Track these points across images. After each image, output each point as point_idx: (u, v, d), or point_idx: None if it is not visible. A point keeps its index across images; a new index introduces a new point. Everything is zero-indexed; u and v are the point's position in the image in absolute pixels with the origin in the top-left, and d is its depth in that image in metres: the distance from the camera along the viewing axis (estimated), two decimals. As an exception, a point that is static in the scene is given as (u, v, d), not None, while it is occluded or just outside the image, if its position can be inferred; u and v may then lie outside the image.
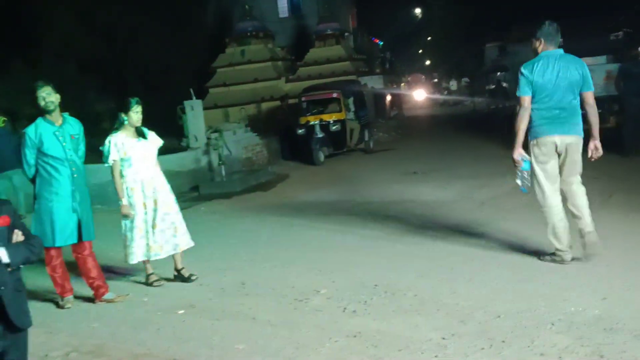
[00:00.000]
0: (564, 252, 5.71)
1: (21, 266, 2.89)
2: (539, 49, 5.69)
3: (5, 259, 2.74)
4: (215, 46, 25.02)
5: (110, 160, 6.20)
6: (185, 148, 14.98)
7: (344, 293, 5.51)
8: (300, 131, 17.25)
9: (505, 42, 41.62)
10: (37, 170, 5.74)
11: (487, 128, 21.18)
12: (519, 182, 5.86)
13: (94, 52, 22.30)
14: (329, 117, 17.43)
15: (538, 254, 6.00)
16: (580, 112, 5.67)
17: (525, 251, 6.27)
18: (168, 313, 5.43)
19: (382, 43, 46.50)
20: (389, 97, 27.15)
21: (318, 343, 4.43)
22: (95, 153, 7.80)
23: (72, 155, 5.77)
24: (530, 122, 5.65)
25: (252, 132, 17.28)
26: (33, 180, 5.81)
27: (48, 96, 5.63)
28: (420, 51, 65.90)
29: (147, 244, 6.26)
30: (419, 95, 43.96)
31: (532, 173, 5.75)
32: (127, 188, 6.23)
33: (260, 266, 6.73)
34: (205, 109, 15.81)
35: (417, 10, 53.61)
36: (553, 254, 5.78)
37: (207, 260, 7.17)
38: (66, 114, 5.90)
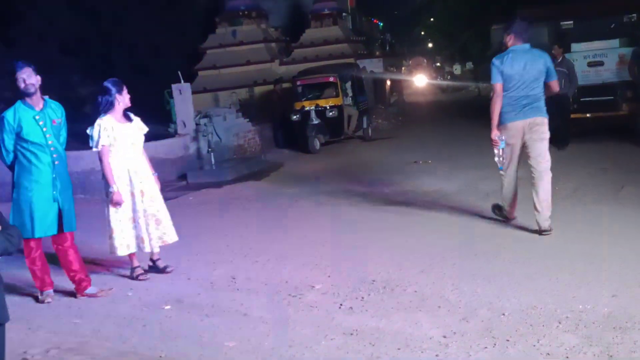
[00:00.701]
0: (508, 211, 7.09)
1: (-1, 258, 2.89)
2: (509, 44, 6.75)
3: (-18, 250, 2.74)
4: (205, 26, 24.90)
5: (100, 146, 6.17)
6: (173, 134, 14.96)
7: (340, 289, 5.52)
8: (294, 117, 17.24)
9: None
10: (15, 157, 5.72)
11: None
12: (496, 159, 6.86)
13: (78, 32, 22.19)
14: (326, 103, 17.42)
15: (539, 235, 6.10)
16: (543, 97, 6.67)
17: (532, 246, 6.30)
18: (154, 308, 5.44)
19: (382, 24, 46.38)
20: (389, 82, 27.10)
21: (313, 341, 4.44)
22: (77, 139, 7.79)
23: (54, 142, 5.74)
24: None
25: (243, 118, 17.25)
26: (11, 168, 5.79)
27: (28, 78, 5.59)
28: (423, 33, 65.77)
29: (134, 236, 6.26)
30: (420, 80, 43.90)
31: (498, 153, 6.79)
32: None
33: (252, 260, 6.74)
34: (194, 93, 15.76)
35: (420, -11, 53.42)
36: (500, 208, 7.20)
37: (196, 253, 7.18)
38: (47, 98, 5.88)
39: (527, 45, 6.70)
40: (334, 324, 4.73)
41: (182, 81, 14.65)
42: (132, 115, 6.39)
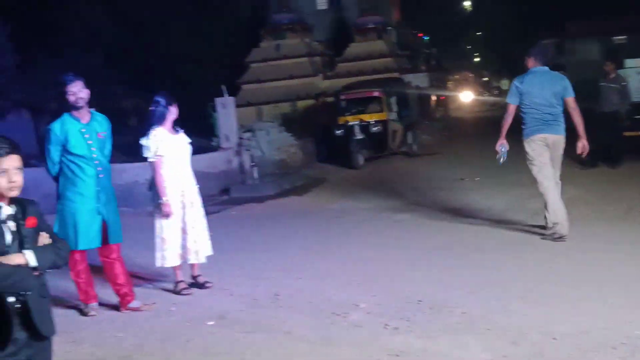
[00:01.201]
0: (560, 224, 7.13)
1: (47, 271, 2.93)
2: (529, 65, 7.41)
3: (33, 263, 2.79)
4: (249, 39, 25.17)
5: (155, 156, 6.26)
6: (216, 148, 15.10)
7: (385, 308, 5.49)
8: (338, 132, 17.25)
9: (561, 39, 41.18)
10: (60, 169, 5.83)
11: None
12: (499, 159, 7.71)
13: (122, 44, 22.60)
14: (370, 118, 17.41)
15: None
16: (562, 115, 7.25)
17: (584, 268, 6.18)
18: (197, 324, 5.47)
19: (427, 38, 46.25)
20: (434, 97, 27.01)
21: (358, 361, 4.42)
22: (121, 151, 7.93)
23: (98, 155, 5.82)
24: (524, 124, 7.38)
25: (286, 132, 17.35)
26: (56, 179, 5.89)
27: (79, 92, 5.70)
28: (469, 47, 65.45)
29: (180, 248, 6.33)
30: (466, 96, 43.63)
31: (532, 163, 7.34)
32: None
33: (295, 276, 6.74)
34: (237, 106, 15.92)
35: (466, 3, 53.27)
36: (552, 228, 7.21)
37: (239, 268, 7.22)
38: (94, 111, 5.99)
39: (546, 68, 7.41)
40: (378, 345, 4.70)
41: (226, 95, 14.80)
42: (177, 128, 6.50)
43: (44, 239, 2.91)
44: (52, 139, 5.73)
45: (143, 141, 6.28)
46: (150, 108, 6.38)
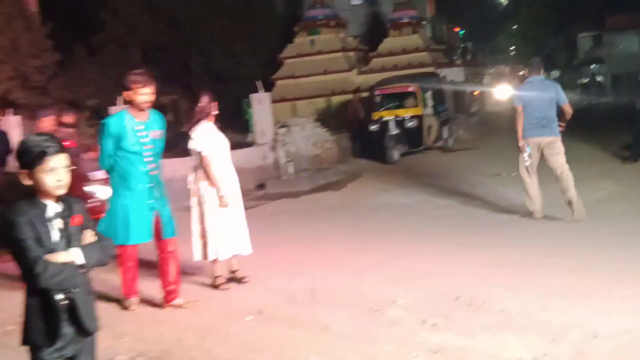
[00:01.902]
0: (536, 212, 8.40)
1: (92, 268, 2.99)
2: (527, 75, 8.78)
3: (80, 260, 2.84)
4: (284, 35, 25.22)
5: (205, 151, 6.32)
6: (251, 144, 15.19)
7: (423, 305, 5.46)
8: (373, 127, 17.22)
9: (600, 32, 40.49)
10: (113, 164, 5.83)
11: (579, 126, 20.60)
12: (526, 163, 8.41)
13: (159, 40, 22.79)
14: (405, 113, 17.34)
15: None
16: (556, 119, 8.29)
17: (626, 266, 6.08)
18: (236, 319, 5.51)
19: (462, 32, 45.89)
20: (470, 92, 26.78)
21: (397, 358, 4.42)
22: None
23: (152, 152, 5.85)
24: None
25: (321, 128, 17.37)
26: (107, 173, 5.95)
27: (150, 96, 5.75)
28: (505, 42, 64.71)
29: (221, 242, 6.39)
30: (503, 91, 43.14)
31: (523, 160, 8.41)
32: (204, 183, 6.37)
33: (332, 272, 6.75)
34: (272, 102, 15.97)
35: (502, -4, 52.66)
36: (530, 213, 8.44)
37: (276, 263, 7.25)
38: (151, 109, 5.95)
39: (542, 77, 8.61)
40: (417, 341, 4.68)
41: (262, 91, 14.86)
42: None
43: (90, 236, 2.96)
44: (106, 132, 5.74)
45: (192, 135, 6.33)
46: (198, 104, 6.44)
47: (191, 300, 6.07)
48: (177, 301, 5.97)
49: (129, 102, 5.81)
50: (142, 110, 5.78)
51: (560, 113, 8.39)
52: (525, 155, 8.40)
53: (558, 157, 8.30)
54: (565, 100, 8.39)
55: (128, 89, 5.74)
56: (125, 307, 6.00)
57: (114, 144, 5.74)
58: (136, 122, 5.77)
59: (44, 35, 19.58)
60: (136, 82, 5.71)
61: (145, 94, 5.73)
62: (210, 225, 6.37)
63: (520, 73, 57.00)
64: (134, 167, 5.77)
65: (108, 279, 6.49)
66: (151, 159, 5.84)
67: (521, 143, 8.41)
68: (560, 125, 8.36)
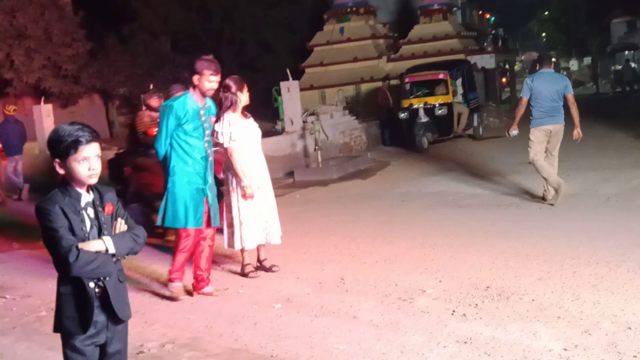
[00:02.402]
0: (562, 187, 8.51)
1: (125, 257, 3.01)
2: (538, 68, 9.06)
3: (112, 249, 2.86)
4: (314, 23, 25.15)
5: (230, 142, 6.30)
6: (280, 132, 15.20)
7: (452, 294, 5.43)
8: (402, 115, 17.13)
9: (635, 18, 39.76)
10: (172, 147, 5.77)
11: (611, 114, 20.31)
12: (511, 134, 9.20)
13: (189, 29, 22.89)
14: (435, 100, 17.22)
15: None
16: (562, 108, 8.70)
17: (659, 255, 5.99)
18: (264, 307, 5.54)
19: (493, 19, 45.37)
20: (501, 79, 26.48)
21: (426, 348, 4.40)
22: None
23: (209, 138, 5.90)
24: (532, 115, 8.78)
25: (350, 116, 17.32)
26: (163, 158, 5.84)
27: (217, 84, 5.76)
28: (537, 28, 63.83)
29: (256, 230, 6.39)
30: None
31: (530, 147, 8.79)
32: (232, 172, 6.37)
33: (361, 261, 6.75)
34: (301, 90, 15.95)
35: (534, -18, 51.90)
36: (554, 197, 8.62)
37: (304, 252, 7.26)
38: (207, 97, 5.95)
39: (551, 70, 9.02)
40: (446, 331, 4.66)
41: (291, 79, 14.85)
42: (247, 113, 6.54)
43: (121, 225, 2.98)
44: (172, 114, 5.68)
45: (217, 127, 6.28)
46: (221, 94, 6.38)
47: (221, 288, 6.10)
48: (207, 289, 6.00)
49: (193, 86, 5.76)
50: (206, 95, 5.77)
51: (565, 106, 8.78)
52: (513, 133, 9.10)
53: (558, 143, 8.84)
54: (571, 92, 8.81)
55: (197, 72, 5.70)
56: (174, 296, 5.89)
57: (176, 126, 5.69)
58: (199, 107, 5.77)
59: (77, 24, 19.79)
60: (208, 68, 5.69)
61: (213, 81, 5.73)
62: (236, 215, 6.37)
63: (552, 60, 56.40)
64: (195, 151, 5.75)
65: (139, 266, 6.57)
66: (207, 144, 5.85)
67: (511, 130, 9.12)
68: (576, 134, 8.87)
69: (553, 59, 56.94)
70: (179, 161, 5.75)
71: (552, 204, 8.54)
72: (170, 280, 5.94)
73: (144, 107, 9.25)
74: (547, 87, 8.61)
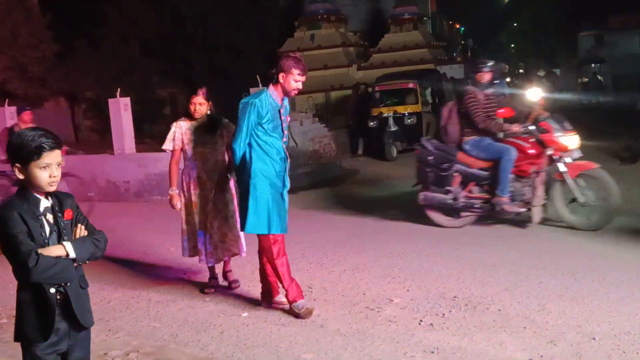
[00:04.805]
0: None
1: (86, 262, 2.96)
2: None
3: (72, 254, 2.82)
4: (284, 29, 25.19)
5: (168, 148, 6.21)
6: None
7: (419, 304, 5.45)
8: (372, 123, 17.20)
9: (602, 32, 40.43)
10: (250, 146, 5.36)
11: (578, 126, 20.52)
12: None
13: (160, 33, 22.74)
14: (404, 109, 17.33)
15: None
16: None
17: (623, 268, 6.07)
18: (231, 315, 5.49)
19: (463, 29, 45.84)
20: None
21: (393, 357, 4.39)
22: (155, 140, 7.96)
23: (286, 137, 5.55)
24: None
25: (320, 123, 17.33)
26: (240, 159, 5.39)
27: (302, 85, 5.40)
28: (506, 39, 64.66)
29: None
30: (533, 94, 43.24)
31: None
32: None
33: (329, 270, 6.73)
34: (271, 96, 15.87)
35: (504, -6, 52.57)
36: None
37: (272, 260, 7.20)
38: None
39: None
40: (413, 341, 4.66)
41: (261, 85, 14.78)
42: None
43: (81, 230, 2.94)
44: (254, 111, 5.26)
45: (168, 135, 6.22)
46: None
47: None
48: (278, 297, 5.67)
49: (274, 84, 5.40)
50: (289, 95, 5.43)
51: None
52: None
53: None
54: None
55: (284, 70, 5.34)
56: (306, 317, 5.30)
57: (255, 124, 5.29)
58: (279, 105, 5.41)
59: (44, 26, 19.54)
60: (296, 67, 5.33)
61: (299, 80, 5.36)
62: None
63: (520, 71, 57.10)
64: (274, 151, 5.37)
65: (101, 272, 6.46)
66: (285, 146, 5.51)
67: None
68: None
69: (521, 70, 57.90)
70: (259, 162, 5.32)
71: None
72: (293, 301, 5.40)
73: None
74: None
